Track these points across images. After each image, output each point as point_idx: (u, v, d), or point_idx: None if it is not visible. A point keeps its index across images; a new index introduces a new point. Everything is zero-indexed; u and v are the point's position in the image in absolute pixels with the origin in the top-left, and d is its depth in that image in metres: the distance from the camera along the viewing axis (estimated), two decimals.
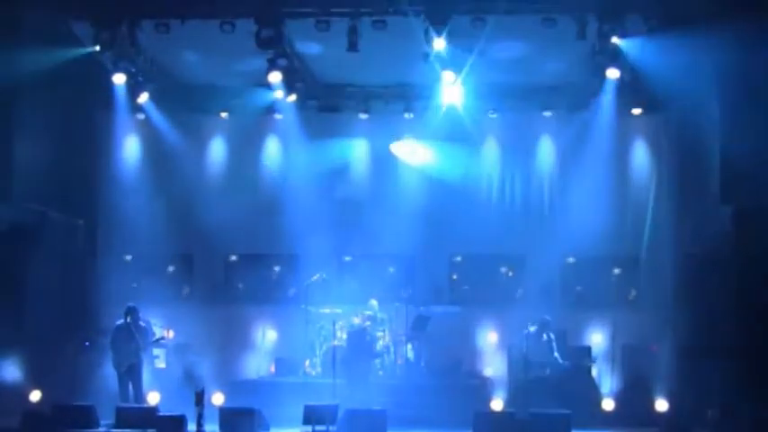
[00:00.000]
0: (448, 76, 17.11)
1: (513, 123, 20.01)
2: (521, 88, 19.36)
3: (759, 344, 14.84)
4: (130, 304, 16.19)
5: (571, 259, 19.90)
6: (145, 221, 19.42)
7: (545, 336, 17.08)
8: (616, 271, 19.99)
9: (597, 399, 16.87)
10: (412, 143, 20.27)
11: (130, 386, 15.83)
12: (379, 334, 18.19)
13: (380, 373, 17.96)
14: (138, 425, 14.54)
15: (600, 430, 15.62)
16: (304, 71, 18.63)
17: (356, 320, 17.49)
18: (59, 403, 15.29)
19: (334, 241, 19.49)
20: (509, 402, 16.66)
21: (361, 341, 16.92)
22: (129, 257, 20.33)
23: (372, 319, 18.23)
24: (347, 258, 20.43)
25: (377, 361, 17.72)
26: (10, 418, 14.92)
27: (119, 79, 17.67)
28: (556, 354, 17.11)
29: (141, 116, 19.71)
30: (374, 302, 18.55)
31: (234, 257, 20.82)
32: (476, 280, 20.45)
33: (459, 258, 20.52)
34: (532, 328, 17.12)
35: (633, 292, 19.91)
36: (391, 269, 20.35)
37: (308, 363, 18.28)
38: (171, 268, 20.59)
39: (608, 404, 16.71)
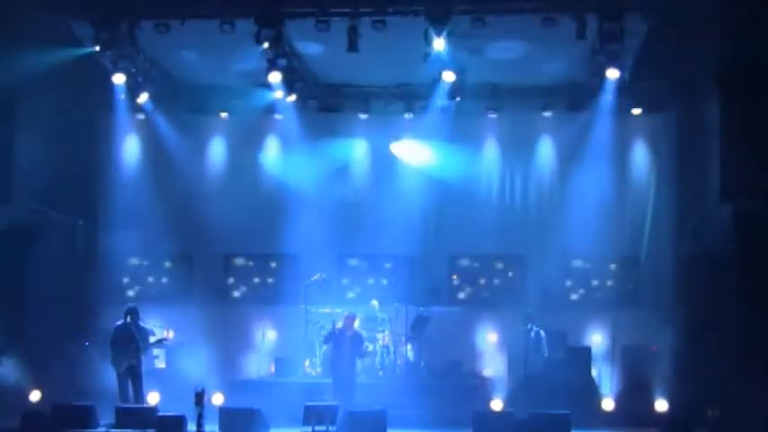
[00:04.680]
0: (448, 76, 17.12)
1: (513, 123, 20.00)
2: (521, 88, 19.35)
3: (759, 344, 14.83)
4: (131, 305, 16.21)
5: (571, 259, 19.90)
6: (145, 221, 19.43)
7: (533, 333, 17.08)
8: (616, 271, 20.00)
9: (597, 399, 16.87)
10: (412, 143, 20.29)
11: (130, 386, 15.83)
12: (379, 335, 18.21)
13: (380, 373, 17.98)
14: (138, 425, 14.55)
15: (600, 430, 15.62)
16: (304, 71, 18.62)
17: (339, 324, 16.82)
18: (59, 403, 15.28)
19: (335, 241, 19.52)
20: (508, 402, 16.65)
21: (342, 342, 16.52)
22: (129, 257, 20.33)
23: (373, 319, 18.27)
24: (347, 258, 20.43)
25: (365, 361, 17.64)
26: (10, 418, 14.91)
27: (119, 79, 17.66)
28: (544, 349, 17.12)
29: (141, 116, 19.73)
30: (375, 303, 18.58)
31: (234, 257, 20.82)
32: (476, 280, 20.46)
33: (459, 259, 20.51)
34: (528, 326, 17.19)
35: (633, 293, 19.91)
36: (391, 269, 20.32)
37: (307, 363, 18.28)
38: (171, 268, 20.61)
39: (608, 404, 16.71)
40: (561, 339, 17.63)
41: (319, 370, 17.99)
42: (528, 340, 16.93)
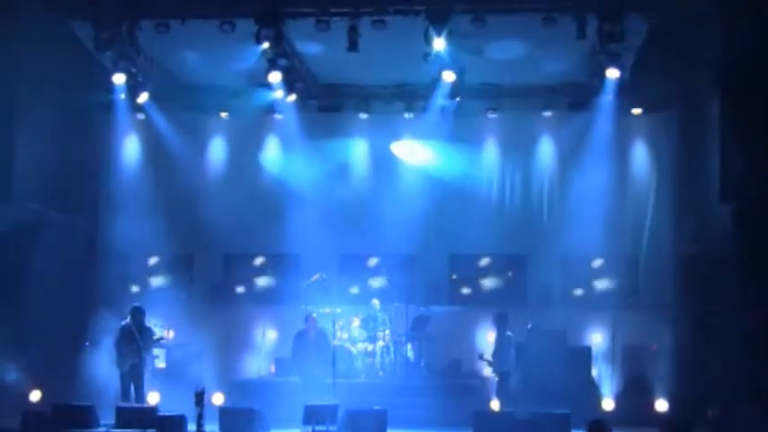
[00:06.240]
0: (448, 76, 17.13)
1: (513, 123, 20.01)
2: (521, 88, 19.35)
3: (759, 344, 14.84)
4: (135, 304, 16.25)
5: (571, 259, 19.88)
6: (145, 221, 19.40)
7: (508, 332, 17.00)
8: (616, 271, 19.97)
9: (597, 399, 16.88)
10: (412, 143, 20.29)
11: (132, 386, 15.85)
12: (380, 335, 18.22)
13: (380, 373, 17.99)
14: (138, 425, 14.55)
15: None
16: (304, 71, 18.62)
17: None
18: (59, 403, 15.29)
19: (335, 241, 19.51)
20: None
21: (306, 344, 17.04)
22: (129, 257, 20.31)
23: (373, 319, 18.29)
24: (347, 258, 20.42)
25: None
26: (10, 418, 14.91)
27: (119, 79, 17.63)
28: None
29: (141, 116, 19.73)
30: (376, 302, 18.60)
31: (234, 257, 20.82)
32: (475, 280, 20.46)
33: (458, 258, 20.50)
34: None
35: (633, 292, 19.90)
36: (391, 269, 20.29)
37: None
38: (171, 268, 20.60)
39: (608, 404, 16.72)
40: (561, 339, 17.61)
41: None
42: (503, 341, 16.74)
